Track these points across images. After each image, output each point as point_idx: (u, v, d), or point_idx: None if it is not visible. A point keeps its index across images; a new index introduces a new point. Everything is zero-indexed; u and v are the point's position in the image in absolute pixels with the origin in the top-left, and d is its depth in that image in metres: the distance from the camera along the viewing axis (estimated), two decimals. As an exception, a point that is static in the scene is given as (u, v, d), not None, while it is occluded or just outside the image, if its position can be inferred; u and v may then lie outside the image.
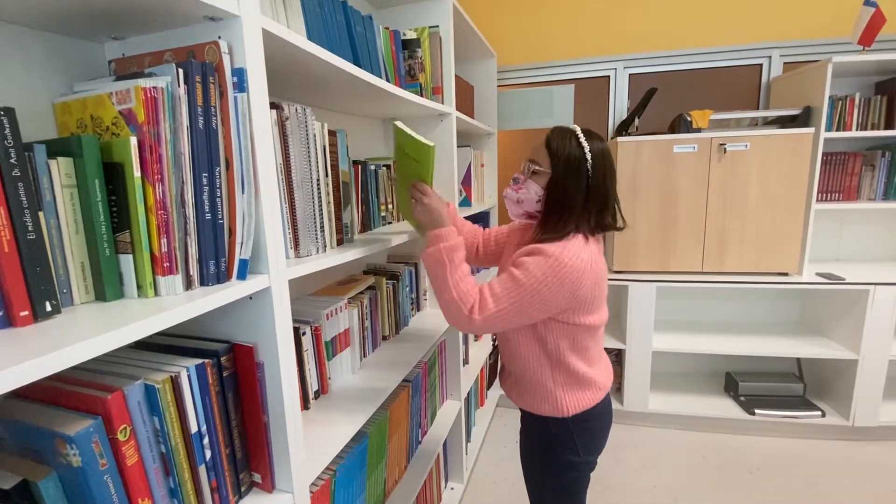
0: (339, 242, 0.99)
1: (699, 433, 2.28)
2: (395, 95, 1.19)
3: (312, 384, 1.03)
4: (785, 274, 2.17)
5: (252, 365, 0.70)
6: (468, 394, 2.06)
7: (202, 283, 0.61)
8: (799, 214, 2.08)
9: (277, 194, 0.69)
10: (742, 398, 2.32)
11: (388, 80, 1.22)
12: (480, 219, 2.39)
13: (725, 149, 2.07)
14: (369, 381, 1.16)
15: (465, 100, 2.11)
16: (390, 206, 1.40)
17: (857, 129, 2.13)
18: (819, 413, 2.19)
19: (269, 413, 0.72)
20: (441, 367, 1.68)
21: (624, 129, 2.32)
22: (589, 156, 0.98)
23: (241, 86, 0.61)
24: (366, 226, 1.24)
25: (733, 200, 2.11)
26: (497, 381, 1.22)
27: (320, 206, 0.86)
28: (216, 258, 0.61)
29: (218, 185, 0.61)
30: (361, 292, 1.29)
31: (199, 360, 0.63)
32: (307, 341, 1.00)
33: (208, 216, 0.60)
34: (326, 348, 1.06)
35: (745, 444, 2.18)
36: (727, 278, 2.16)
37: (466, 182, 2.10)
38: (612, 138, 2.46)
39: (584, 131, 1.01)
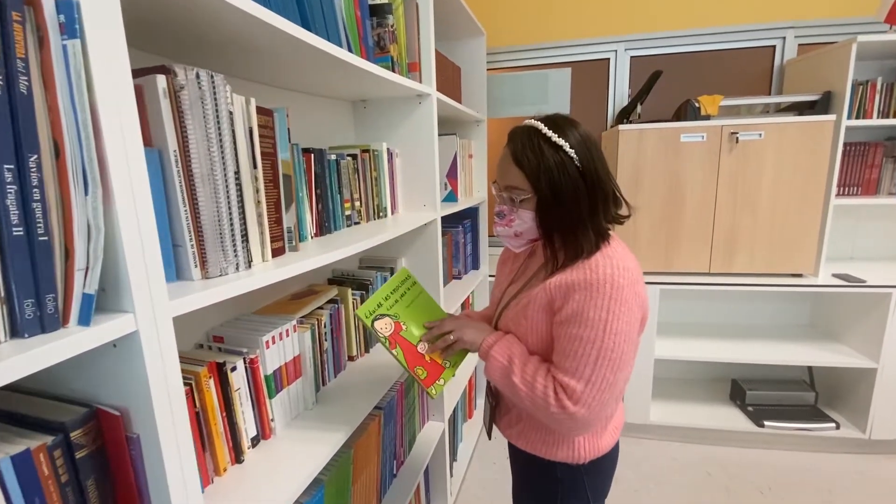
0: (278, 252, 0.77)
1: (704, 446, 2.11)
2: (358, 69, 0.97)
3: (248, 430, 0.82)
4: (799, 275, 1.99)
5: (121, 439, 0.49)
6: (455, 408, 1.86)
7: (14, 334, 0.40)
8: (816, 210, 1.89)
9: (155, 194, 0.48)
10: (749, 408, 2.16)
11: (351, 51, 1.00)
12: (468, 215, 2.18)
13: (737, 138, 1.87)
14: (328, 416, 0.96)
15: (451, 82, 1.89)
16: (358, 204, 1.18)
17: (878, 117, 1.94)
18: (833, 425, 2.02)
19: None
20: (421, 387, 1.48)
21: (625, 116, 2.11)
22: (571, 153, 0.77)
23: (71, 28, 0.40)
24: (324, 228, 1.02)
25: (745, 195, 1.92)
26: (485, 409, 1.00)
27: (241, 207, 0.65)
28: (37, 295, 0.40)
29: (34, 183, 0.39)
30: (321, 307, 1.08)
31: (24, 446, 0.42)
32: (238, 378, 0.79)
33: (18, 231, 0.38)
34: (267, 384, 0.85)
35: (752, 459, 2.01)
36: (736, 280, 1.97)
37: (452, 174, 1.88)
38: (612, 126, 2.26)
39: (549, 123, 0.80)
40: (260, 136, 0.71)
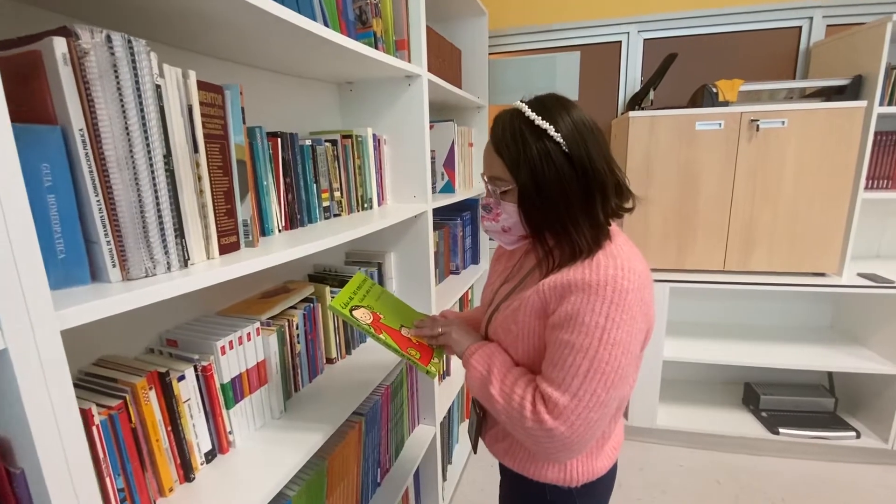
0: (230, 248, 0.69)
1: (713, 453, 2.00)
2: (336, 45, 0.87)
3: (201, 445, 0.74)
4: (822, 274, 1.86)
5: (1, 474, 0.40)
6: (450, 408, 1.78)
7: None
8: (843, 204, 1.75)
9: (58, 181, 0.39)
10: (763, 414, 2.04)
11: (327, 25, 0.90)
12: (468, 207, 2.08)
13: (758, 126, 1.73)
14: (297, 426, 0.88)
15: (450, 65, 1.78)
16: (338, 194, 1.09)
17: (912, 104, 1.78)
18: (853, 434, 1.90)
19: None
20: (411, 388, 1.40)
21: (637, 102, 1.98)
22: (558, 138, 0.67)
23: None
24: (295, 221, 0.93)
25: (764, 187, 1.79)
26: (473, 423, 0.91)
27: (173, 197, 0.56)
28: None
29: None
30: (294, 306, 0.99)
31: None
32: (187, 389, 0.70)
33: None
34: (224, 393, 0.77)
35: (766, 468, 1.90)
36: (753, 279, 1.85)
37: (449, 164, 1.78)
38: (622, 113, 2.13)
39: (536, 105, 0.70)
40: (204, 115, 0.62)
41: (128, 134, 0.50)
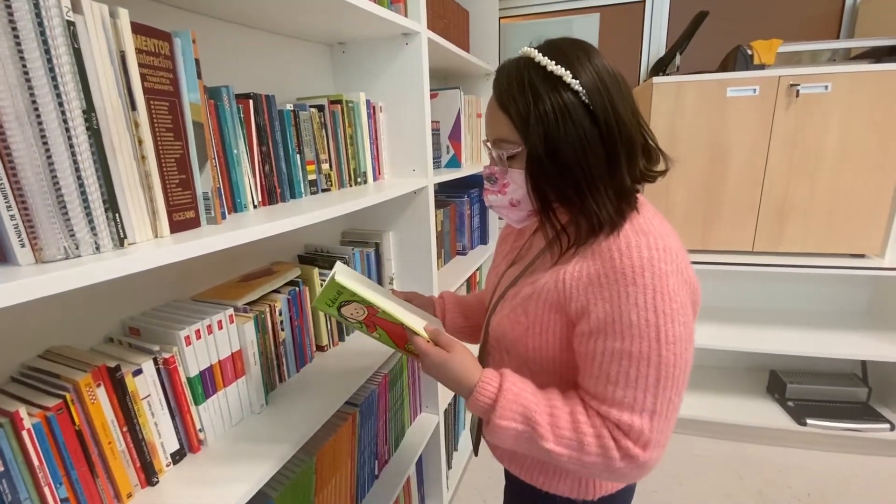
0: (187, 225, 0.59)
1: (735, 444, 1.90)
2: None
3: (166, 445, 0.66)
4: (861, 256, 1.70)
5: None
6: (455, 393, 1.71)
7: None
8: (890, 179, 1.58)
9: None
10: (790, 403, 1.92)
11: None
12: (475, 184, 1.95)
13: (798, 91, 1.56)
14: (280, 420, 0.80)
15: (457, 27, 1.63)
16: (326, 166, 0.98)
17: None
18: (887, 426, 1.77)
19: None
20: (412, 376, 1.31)
21: (662, 67, 1.81)
22: (578, 87, 0.55)
23: None
24: (274, 196, 0.83)
25: (802, 160, 1.62)
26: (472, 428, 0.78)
27: (100, 161, 0.46)
28: None
29: None
30: (278, 290, 0.91)
31: None
32: (146, 384, 0.62)
33: None
34: (192, 387, 0.69)
35: (791, 461, 1.79)
36: (785, 260, 1.70)
37: (455, 136, 1.65)
38: (645, 80, 1.96)
39: (549, 49, 0.57)
40: (145, 66, 0.52)
41: (26, 81, 0.40)
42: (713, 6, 1.82)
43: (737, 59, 1.66)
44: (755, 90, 1.60)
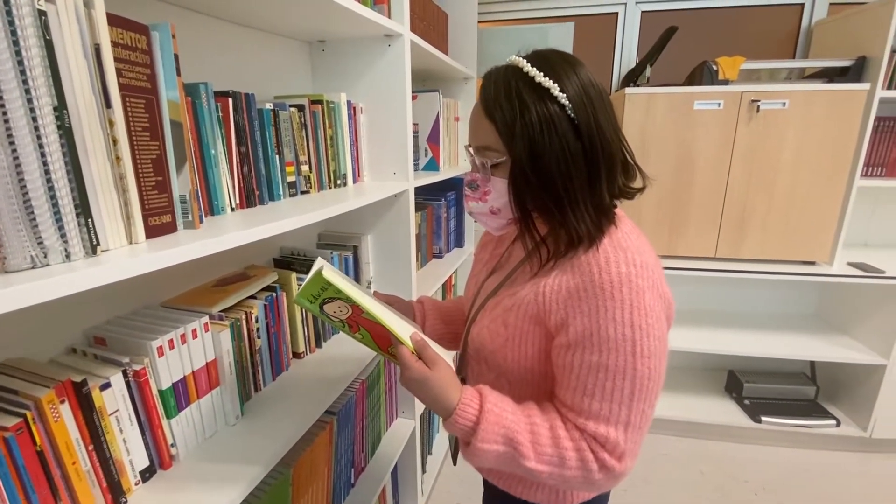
0: (163, 230, 0.56)
1: (697, 441, 1.98)
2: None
3: (135, 462, 0.62)
4: (812, 263, 1.82)
5: None
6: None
7: None
8: (839, 192, 1.70)
9: None
10: (746, 402, 2.02)
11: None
12: (452, 186, 1.95)
13: (759, 106, 1.65)
14: (256, 432, 0.77)
15: (436, 29, 1.63)
16: (306, 168, 0.96)
17: (913, 89, 1.72)
18: (833, 422, 1.90)
19: None
20: (389, 381, 1.30)
21: (633, 78, 1.87)
22: (564, 100, 0.55)
23: None
24: (252, 198, 0.80)
25: (761, 171, 1.71)
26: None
27: (71, 162, 0.43)
28: None
29: None
30: (253, 296, 0.87)
31: None
32: (114, 399, 0.58)
33: None
34: (164, 400, 0.65)
35: (748, 456, 1.89)
36: (744, 266, 1.79)
37: (434, 139, 1.64)
38: (617, 90, 2.01)
39: (537, 60, 0.58)
40: (121, 61, 0.49)
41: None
42: (682, 22, 1.90)
43: (703, 74, 1.73)
44: (720, 104, 1.68)
